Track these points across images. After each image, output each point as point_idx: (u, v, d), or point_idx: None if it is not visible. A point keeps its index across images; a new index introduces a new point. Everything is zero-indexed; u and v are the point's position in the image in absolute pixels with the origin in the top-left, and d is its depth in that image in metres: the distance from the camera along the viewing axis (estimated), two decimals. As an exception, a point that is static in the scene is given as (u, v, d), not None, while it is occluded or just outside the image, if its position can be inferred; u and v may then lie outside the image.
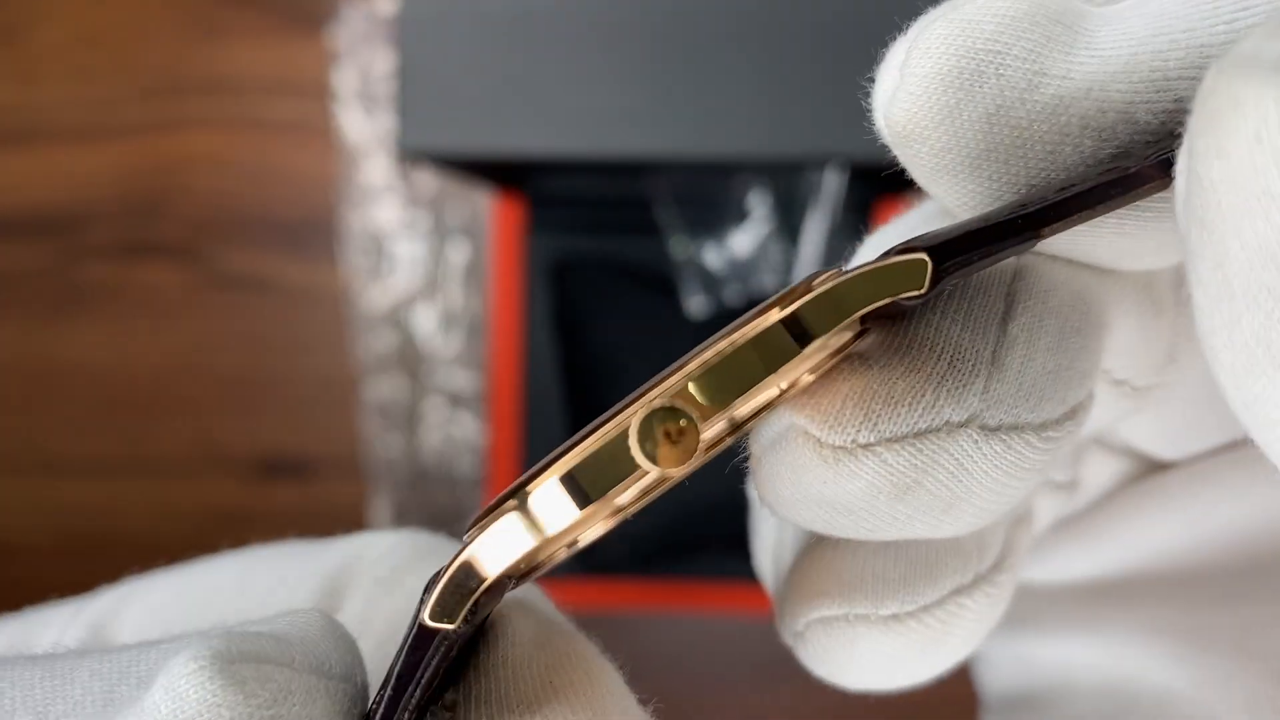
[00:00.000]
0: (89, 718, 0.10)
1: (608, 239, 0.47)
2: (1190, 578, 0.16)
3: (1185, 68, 0.10)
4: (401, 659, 0.09)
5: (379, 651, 0.13)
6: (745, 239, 0.47)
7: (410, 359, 0.55)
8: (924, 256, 0.09)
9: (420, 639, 0.09)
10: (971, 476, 0.11)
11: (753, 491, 0.15)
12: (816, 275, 0.10)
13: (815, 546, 0.13)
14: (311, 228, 0.55)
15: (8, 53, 0.56)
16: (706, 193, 0.47)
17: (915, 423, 0.10)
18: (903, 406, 0.10)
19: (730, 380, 0.09)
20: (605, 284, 0.48)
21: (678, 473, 0.09)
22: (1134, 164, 0.09)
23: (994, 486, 0.11)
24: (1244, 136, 0.08)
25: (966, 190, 0.11)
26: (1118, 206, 0.10)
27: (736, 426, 0.09)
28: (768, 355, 0.09)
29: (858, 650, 0.13)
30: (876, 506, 0.11)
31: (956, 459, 0.10)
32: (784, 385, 0.09)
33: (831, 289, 0.09)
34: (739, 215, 0.48)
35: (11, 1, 0.55)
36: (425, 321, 0.55)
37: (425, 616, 0.09)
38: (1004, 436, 0.10)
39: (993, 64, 0.10)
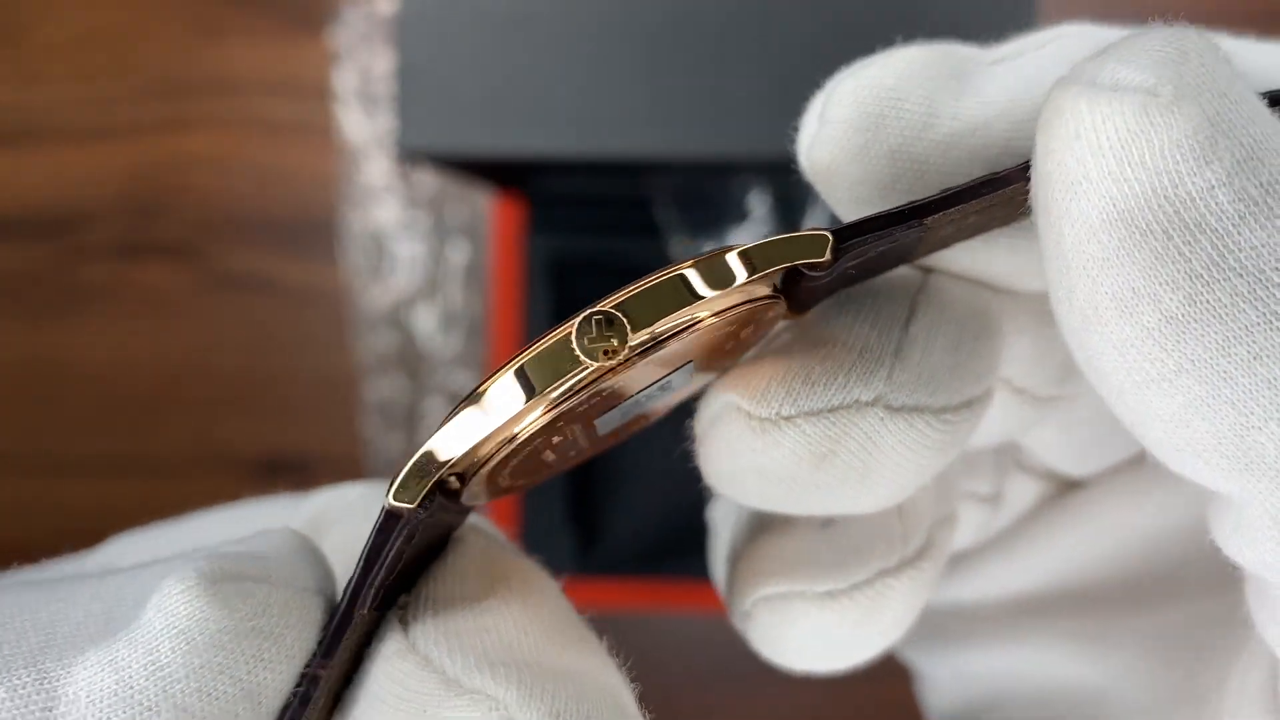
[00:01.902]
0: (91, 637, 0.11)
1: (608, 239, 0.47)
2: (1103, 587, 0.18)
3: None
4: (370, 541, 0.11)
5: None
6: (745, 239, 0.47)
7: (410, 359, 0.55)
8: (826, 232, 0.11)
9: (386, 521, 0.11)
10: (880, 450, 0.12)
11: (710, 513, 0.17)
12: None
13: (758, 534, 0.15)
14: (312, 228, 0.55)
15: (9, 53, 0.56)
16: (706, 193, 0.47)
17: (829, 399, 0.12)
18: (819, 386, 0.12)
19: (655, 304, 0.11)
20: (605, 284, 0.48)
21: (609, 368, 0.10)
22: (1015, 172, 0.11)
23: (900, 461, 0.12)
24: (1065, 135, 0.10)
25: (872, 197, 0.12)
26: (990, 203, 0.11)
27: (658, 342, 0.11)
28: (686, 290, 0.11)
29: (798, 626, 0.14)
30: (800, 473, 0.12)
31: (866, 433, 0.12)
32: (700, 315, 0.11)
33: (745, 249, 0.11)
34: (739, 215, 0.48)
35: (12, 1, 0.56)
36: (425, 321, 0.55)
37: (389, 499, 0.11)
38: (906, 416, 0.12)
39: (894, 109, 0.12)
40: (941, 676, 0.20)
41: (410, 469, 0.11)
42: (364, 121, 0.54)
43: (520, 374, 0.10)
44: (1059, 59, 0.12)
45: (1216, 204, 0.09)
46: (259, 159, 0.55)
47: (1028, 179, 0.11)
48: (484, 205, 0.53)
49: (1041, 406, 0.15)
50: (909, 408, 0.12)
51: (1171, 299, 0.09)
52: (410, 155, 0.36)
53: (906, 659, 0.21)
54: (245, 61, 0.55)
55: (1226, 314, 0.09)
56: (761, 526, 0.15)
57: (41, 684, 0.10)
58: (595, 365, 0.10)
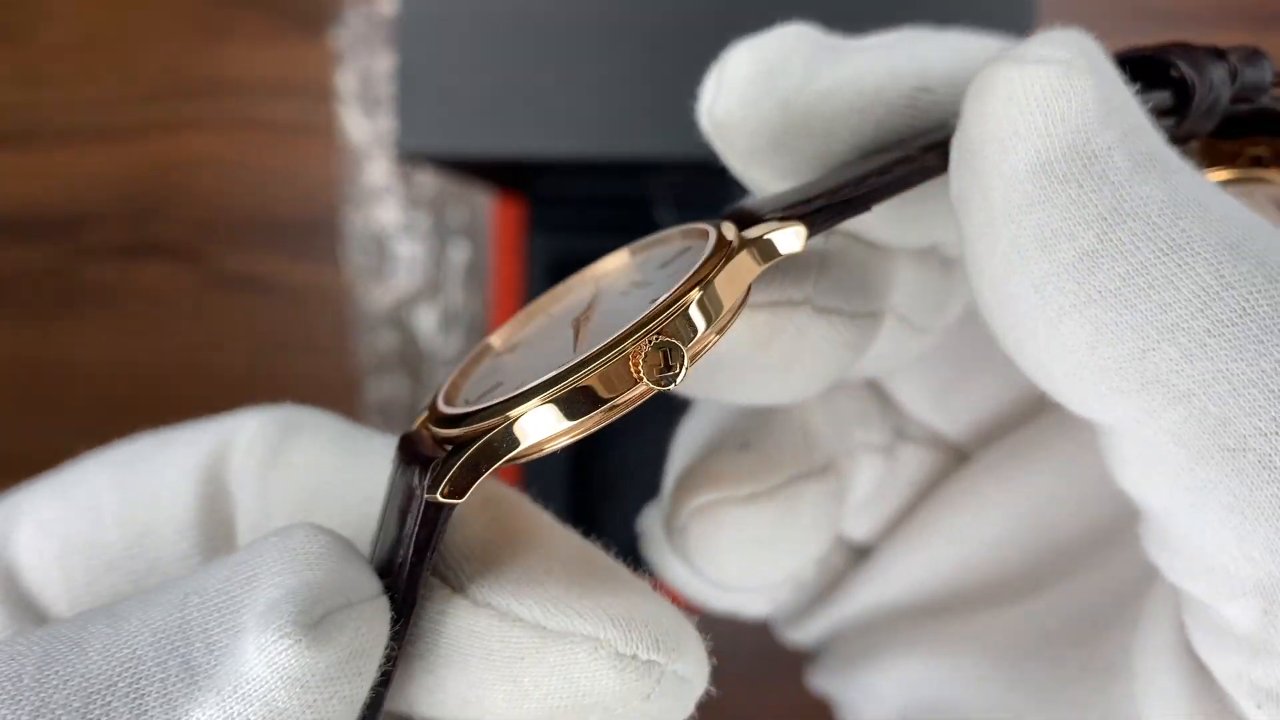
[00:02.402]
0: (183, 690, 0.11)
1: (608, 239, 0.47)
2: (1000, 574, 0.19)
3: (912, 69, 0.14)
4: (416, 531, 0.12)
5: (298, 515, 0.15)
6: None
7: (411, 359, 0.55)
8: (802, 227, 0.13)
9: (433, 512, 0.12)
10: (807, 339, 0.15)
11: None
12: (721, 236, 0.13)
13: (688, 462, 0.17)
14: (313, 228, 0.55)
15: (11, 53, 0.56)
16: (706, 193, 0.47)
17: (771, 296, 0.15)
18: (764, 287, 0.15)
19: (686, 327, 0.12)
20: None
21: (658, 389, 0.12)
22: (919, 153, 0.14)
23: (820, 352, 0.15)
24: (999, 99, 0.12)
25: (773, 165, 0.15)
26: (918, 183, 0.14)
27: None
28: (704, 315, 0.12)
29: (726, 529, 0.17)
30: (743, 357, 0.15)
31: (797, 325, 0.15)
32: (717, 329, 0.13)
33: (736, 263, 0.13)
34: (739, 215, 0.48)
35: (14, 2, 0.56)
36: (426, 321, 0.55)
37: (440, 495, 0.12)
38: (827, 315, 0.15)
39: (781, 67, 0.14)
40: (855, 701, 0.21)
41: (461, 468, 0.12)
42: (365, 122, 0.54)
43: (587, 391, 0.12)
44: (910, 42, 0.15)
45: (1114, 161, 0.11)
46: (261, 160, 0.55)
47: (945, 160, 0.13)
48: (484, 206, 0.53)
49: (919, 336, 0.17)
50: (829, 309, 0.15)
51: (1085, 235, 0.11)
52: (411, 156, 0.36)
53: (825, 692, 0.23)
54: (247, 63, 0.55)
55: (1128, 250, 0.11)
56: (690, 456, 0.18)
57: None
58: (653, 388, 0.12)
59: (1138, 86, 0.13)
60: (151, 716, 0.11)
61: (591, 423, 0.12)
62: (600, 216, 0.47)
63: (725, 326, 0.13)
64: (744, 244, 0.13)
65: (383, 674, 0.12)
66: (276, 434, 0.16)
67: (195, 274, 0.56)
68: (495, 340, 0.16)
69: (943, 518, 0.20)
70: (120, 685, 0.11)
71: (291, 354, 0.55)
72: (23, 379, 0.57)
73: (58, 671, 0.12)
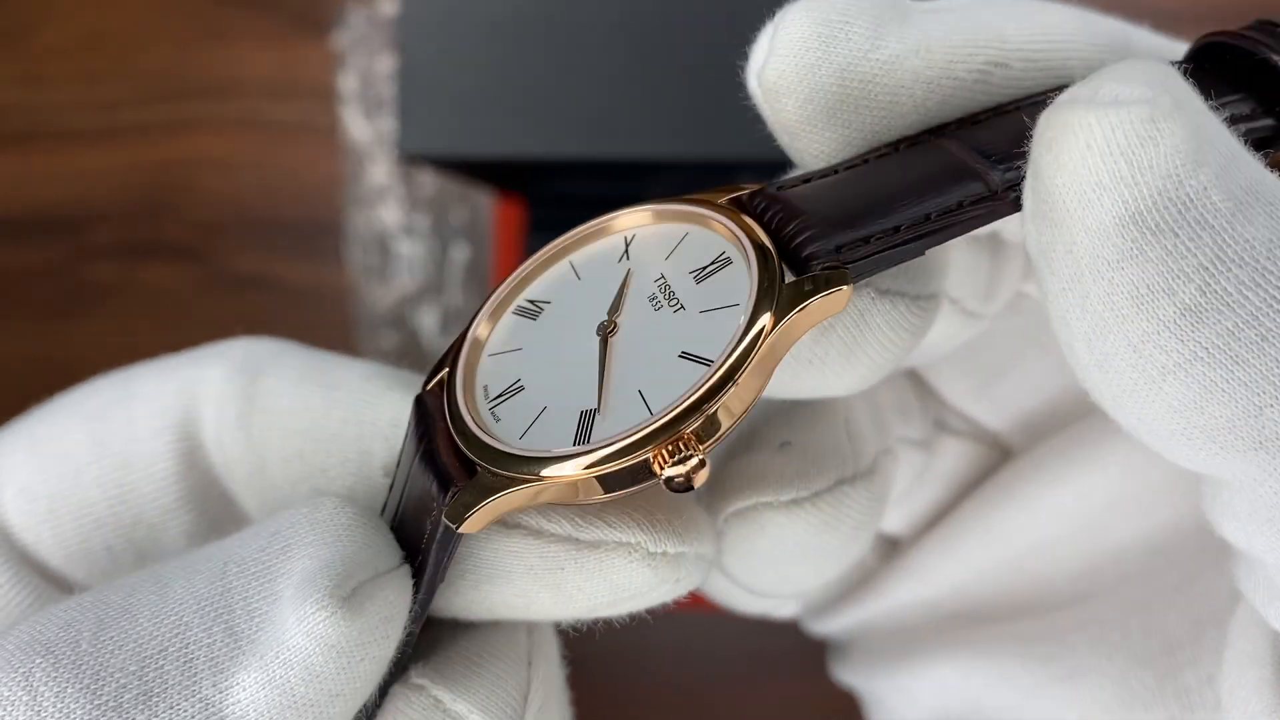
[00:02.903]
0: (229, 654, 0.12)
1: (608, 239, 0.47)
2: (1046, 579, 0.19)
3: (988, 39, 0.13)
4: (435, 554, 0.13)
5: (287, 480, 0.15)
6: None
7: (413, 358, 0.55)
8: (848, 288, 0.12)
9: (447, 540, 0.13)
10: (868, 325, 0.14)
11: None
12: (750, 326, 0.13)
13: (725, 461, 0.17)
14: (315, 228, 0.55)
15: (13, 54, 0.56)
16: (706, 193, 0.47)
17: None
18: None
19: (713, 427, 0.13)
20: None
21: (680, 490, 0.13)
22: (991, 196, 0.13)
23: (883, 338, 0.14)
24: (1076, 148, 0.11)
25: (825, 138, 0.14)
26: (978, 226, 0.13)
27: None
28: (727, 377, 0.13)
29: (767, 534, 0.16)
30: (802, 345, 0.14)
31: (860, 309, 0.14)
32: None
33: (775, 340, 0.13)
34: (739, 215, 0.48)
35: (17, 3, 0.56)
36: (428, 321, 0.55)
37: (462, 529, 0.13)
38: (890, 298, 0.14)
39: (842, 31, 0.13)
40: (884, 698, 0.21)
41: (483, 513, 0.13)
42: (366, 123, 0.54)
43: (601, 479, 0.13)
44: (984, 7, 0.14)
45: (1212, 203, 0.10)
46: (263, 160, 0.55)
47: (1018, 204, 0.12)
48: (485, 206, 0.53)
49: (969, 321, 0.17)
50: (893, 292, 0.14)
51: (1185, 290, 0.10)
52: (412, 157, 0.36)
53: (850, 685, 0.22)
54: (249, 63, 0.55)
55: (1234, 301, 0.10)
56: (728, 454, 0.17)
57: (207, 710, 0.12)
58: (670, 476, 0.12)
59: (1225, 98, 0.12)
60: (201, 679, 0.12)
61: (609, 498, 0.13)
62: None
63: (754, 404, 0.13)
64: (786, 308, 0.12)
65: (407, 634, 0.14)
66: (245, 381, 0.16)
67: (197, 274, 0.56)
68: (512, 292, 0.16)
69: (986, 517, 0.19)
70: (171, 650, 0.12)
71: (293, 354, 0.56)
72: (25, 378, 0.57)
73: (113, 637, 0.12)
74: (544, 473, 0.12)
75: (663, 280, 0.14)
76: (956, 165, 0.13)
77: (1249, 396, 0.10)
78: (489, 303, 0.15)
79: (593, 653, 0.52)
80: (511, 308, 0.15)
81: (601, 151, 0.35)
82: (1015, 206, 0.13)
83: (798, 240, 0.13)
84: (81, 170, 0.56)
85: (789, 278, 0.13)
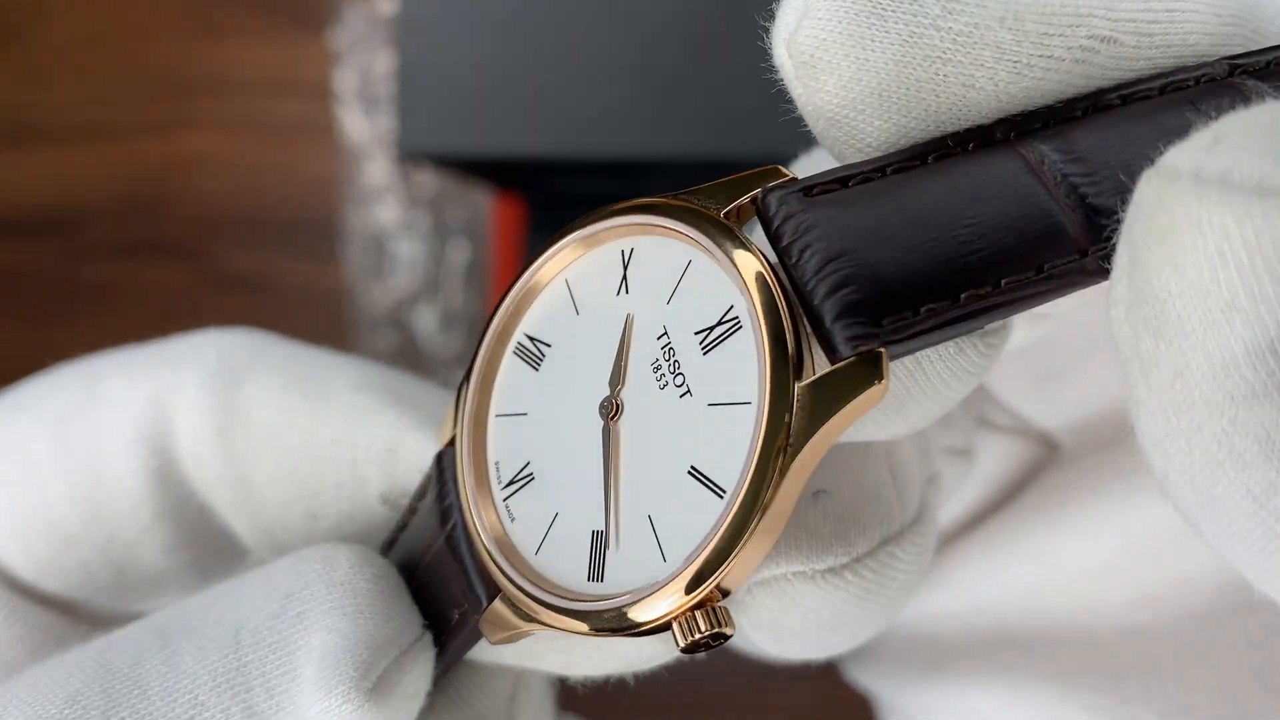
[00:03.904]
0: None
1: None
2: (1099, 600, 0.16)
3: (1094, 5, 0.10)
4: (456, 647, 0.13)
5: (276, 500, 0.15)
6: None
7: (411, 359, 0.55)
8: (884, 384, 0.10)
9: (476, 636, 0.13)
10: (924, 374, 0.12)
11: None
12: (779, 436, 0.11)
13: None
14: (312, 228, 0.55)
15: (11, 53, 0.56)
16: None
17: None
18: None
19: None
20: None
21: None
22: (1078, 261, 0.10)
23: (941, 386, 0.12)
24: (1205, 253, 0.08)
25: (873, 129, 0.11)
26: (1054, 299, 0.10)
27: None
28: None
29: (799, 608, 0.13)
30: None
31: (914, 358, 0.11)
32: None
33: (799, 465, 0.11)
34: (739, 215, 0.48)
35: (14, 2, 0.56)
36: (426, 321, 0.55)
37: (491, 641, 0.13)
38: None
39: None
40: (903, 709, 0.19)
41: (509, 638, 0.13)
42: (364, 122, 0.54)
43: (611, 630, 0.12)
44: None
45: None
46: (260, 159, 0.55)
47: (1105, 273, 0.10)
48: (484, 205, 0.53)
49: (1038, 323, 0.14)
50: None
51: None
52: (410, 155, 0.36)
53: (865, 686, 0.20)
54: (246, 62, 0.55)
55: None
56: None
57: None
58: (689, 646, 0.11)
59: None
60: None
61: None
62: (600, 216, 0.47)
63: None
64: (811, 422, 0.10)
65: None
66: (223, 389, 0.15)
67: (194, 273, 0.56)
68: (512, 317, 0.14)
69: (1031, 533, 0.16)
70: None
71: (291, 353, 0.55)
72: (22, 377, 0.57)
73: (124, 718, 0.12)
74: (566, 626, 0.12)
75: (666, 340, 0.12)
76: (1039, 207, 0.10)
77: None
78: (492, 330, 0.14)
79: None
80: (513, 343, 0.14)
81: (601, 150, 0.35)
82: (1105, 275, 0.10)
83: (829, 300, 0.10)
84: (79, 169, 0.56)
85: (809, 357, 0.11)
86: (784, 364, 0.11)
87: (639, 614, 0.11)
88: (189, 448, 0.15)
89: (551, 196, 0.47)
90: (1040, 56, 0.10)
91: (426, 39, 0.35)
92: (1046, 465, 0.17)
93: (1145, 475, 0.15)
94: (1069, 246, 0.10)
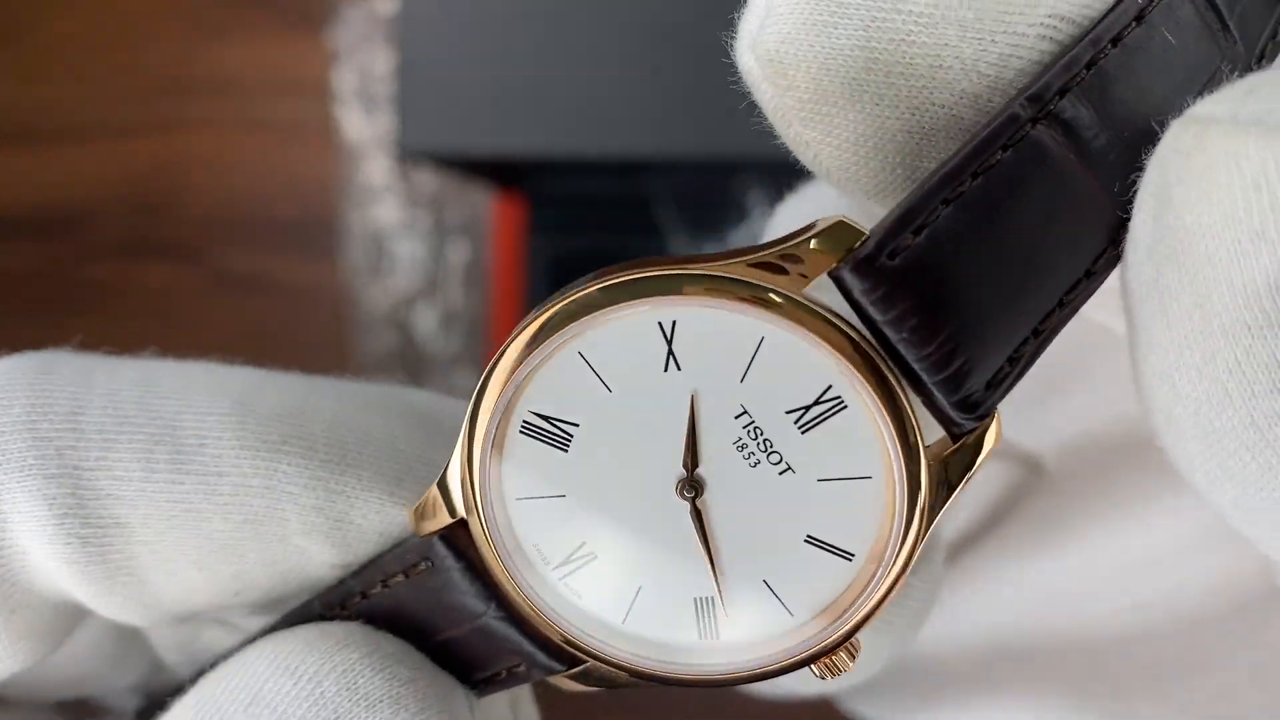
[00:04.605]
0: None
1: (608, 238, 0.47)
2: (1081, 619, 0.16)
3: None
4: (506, 685, 0.13)
5: (185, 602, 0.13)
6: (745, 238, 0.47)
7: (410, 358, 0.55)
8: (998, 440, 0.11)
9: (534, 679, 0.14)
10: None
11: None
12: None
13: None
14: (313, 227, 0.55)
15: (12, 52, 0.56)
16: (706, 192, 0.47)
17: None
18: None
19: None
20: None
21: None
22: (1111, 250, 0.10)
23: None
24: (1241, 185, 0.08)
25: (847, 121, 0.10)
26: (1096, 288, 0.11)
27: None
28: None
29: None
30: None
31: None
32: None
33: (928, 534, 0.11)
34: (739, 215, 0.48)
35: (15, 2, 0.56)
36: (426, 321, 0.55)
37: (564, 680, 0.13)
38: None
39: None
40: None
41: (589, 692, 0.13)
42: (364, 121, 0.54)
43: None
44: None
45: None
46: (260, 159, 0.55)
47: (1119, 253, 0.10)
48: (484, 205, 0.53)
49: None
50: None
51: None
52: (410, 155, 0.36)
53: (862, 716, 0.20)
54: (246, 61, 0.55)
55: None
56: None
57: None
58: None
59: None
60: None
61: None
62: (600, 216, 0.47)
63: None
64: (944, 491, 0.11)
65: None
66: (69, 495, 0.11)
67: (194, 273, 0.56)
68: (507, 396, 0.12)
69: (1019, 563, 0.16)
70: None
71: (291, 353, 0.55)
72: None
73: None
74: (681, 675, 0.13)
75: (748, 419, 0.11)
76: (1092, 208, 0.10)
77: None
78: (488, 408, 0.12)
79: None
80: (516, 422, 0.12)
81: (602, 149, 0.35)
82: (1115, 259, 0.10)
83: (942, 379, 0.10)
84: (79, 169, 0.56)
85: (920, 426, 0.11)
86: (909, 444, 0.11)
87: (782, 665, 0.12)
88: (45, 578, 0.12)
89: (551, 196, 0.47)
90: (1004, 32, 0.10)
91: (426, 38, 0.35)
92: (1034, 488, 0.17)
93: (1133, 496, 0.15)
94: (1106, 238, 0.10)
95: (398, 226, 0.54)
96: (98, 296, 0.56)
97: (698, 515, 0.12)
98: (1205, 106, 0.09)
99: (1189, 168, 0.09)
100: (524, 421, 0.12)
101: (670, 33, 0.34)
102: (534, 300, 0.47)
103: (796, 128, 0.11)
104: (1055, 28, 0.10)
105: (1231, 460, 0.09)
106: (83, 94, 0.56)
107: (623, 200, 0.46)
